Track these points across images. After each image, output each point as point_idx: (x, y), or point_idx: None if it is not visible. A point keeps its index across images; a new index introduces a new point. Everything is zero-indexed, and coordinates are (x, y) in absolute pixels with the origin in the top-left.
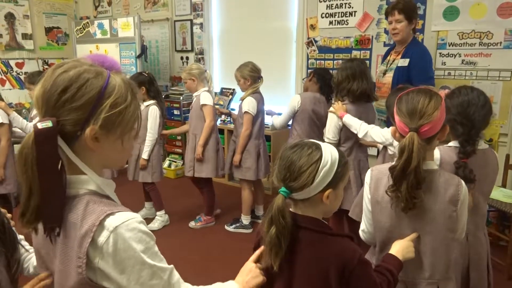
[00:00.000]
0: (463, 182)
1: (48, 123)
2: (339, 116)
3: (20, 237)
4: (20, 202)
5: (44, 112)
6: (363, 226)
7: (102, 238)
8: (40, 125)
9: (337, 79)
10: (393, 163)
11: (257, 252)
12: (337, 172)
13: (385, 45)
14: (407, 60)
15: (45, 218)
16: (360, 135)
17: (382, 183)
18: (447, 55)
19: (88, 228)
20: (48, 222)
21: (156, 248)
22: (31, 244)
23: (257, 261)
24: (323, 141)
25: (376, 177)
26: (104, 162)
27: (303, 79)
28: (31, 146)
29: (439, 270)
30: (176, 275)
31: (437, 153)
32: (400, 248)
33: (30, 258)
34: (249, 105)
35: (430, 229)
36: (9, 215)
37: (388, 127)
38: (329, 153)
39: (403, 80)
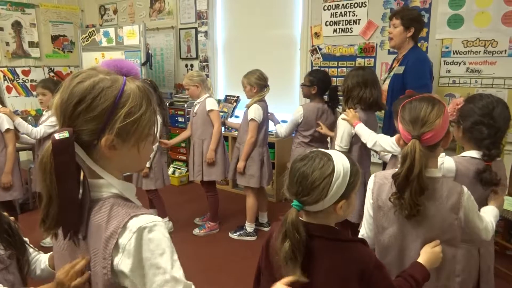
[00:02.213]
0: (465, 190)
1: (65, 134)
2: (353, 124)
3: (25, 239)
4: (41, 209)
5: (62, 122)
6: (362, 231)
7: (124, 239)
8: (57, 136)
9: (347, 86)
10: (396, 170)
11: (288, 279)
12: (349, 183)
13: (389, 52)
14: (402, 67)
15: (64, 224)
16: (369, 145)
17: (385, 189)
18: (451, 63)
19: (113, 230)
20: (67, 228)
21: (175, 257)
22: (35, 243)
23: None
24: (326, 148)
25: (379, 183)
26: (122, 167)
27: (301, 85)
28: (50, 155)
29: (439, 276)
30: None
31: (452, 164)
32: (428, 257)
33: (36, 260)
34: (255, 112)
35: (432, 236)
36: (12, 218)
37: (383, 132)
38: (341, 165)
39: (398, 87)
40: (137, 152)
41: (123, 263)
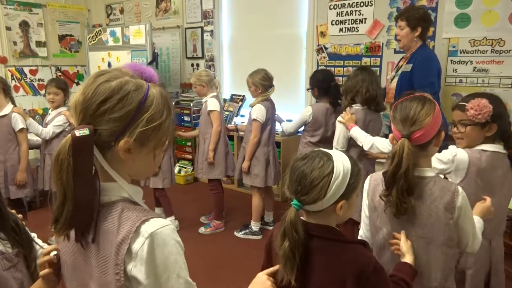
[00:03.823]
0: (461, 190)
1: (86, 131)
2: (348, 127)
3: (33, 234)
4: (54, 209)
5: (81, 119)
6: (361, 232)
7: (137, 245)
8: (77, 133)
9: (347, 87)
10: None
11: (273, 268)
12: (349, 184)
13: (395, 52)
14: (410, 65)
15: (77, 226)
16: (365, 148)
17: (379, 189)
18: (458, 62)
19: (124, 235)
20: (80, 229)
21: (185, 261)
22: (43, 241)
23: (271, 275)
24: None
25: (374, 183)
26: (133, 172)
27: (307, 89)
28: (67, 152)
29: (437, 277)
30: None
31: (465, 156)
32: (413, 258)
33: None
34: (258, 112)
35: (426, 235)
36: (20, 216)
37: (390, 131)
38: (341, 164)
39: (406, 85)
40: (152, 158)
41: (137, 269)
